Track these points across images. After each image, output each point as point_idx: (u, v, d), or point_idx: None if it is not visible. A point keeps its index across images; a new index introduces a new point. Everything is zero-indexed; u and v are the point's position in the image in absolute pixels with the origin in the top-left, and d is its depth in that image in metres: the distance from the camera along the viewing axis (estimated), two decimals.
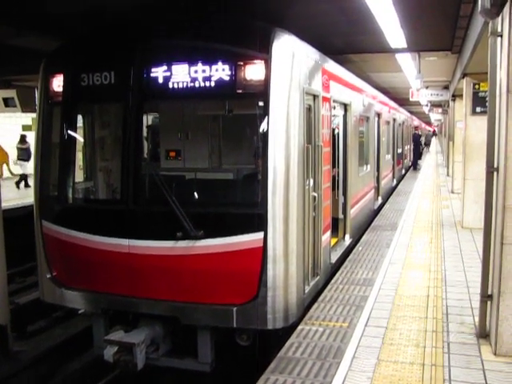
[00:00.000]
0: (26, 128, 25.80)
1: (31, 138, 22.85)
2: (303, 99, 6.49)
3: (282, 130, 6.05)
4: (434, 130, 68.41)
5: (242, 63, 6.10)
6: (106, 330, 7.02)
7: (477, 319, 6.07)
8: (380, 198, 15.70)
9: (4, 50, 8.79)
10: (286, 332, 6.24)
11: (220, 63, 6.13)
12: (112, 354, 6.41)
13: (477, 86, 11.82)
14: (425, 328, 6.12)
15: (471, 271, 8.43)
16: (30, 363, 8.39)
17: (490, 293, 5.77)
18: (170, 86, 6.36)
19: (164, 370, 7.17)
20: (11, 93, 15.01)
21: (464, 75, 11.97)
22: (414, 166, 29.73)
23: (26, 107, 15.48)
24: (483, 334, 5.82)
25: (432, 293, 7.41)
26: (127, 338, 6.35)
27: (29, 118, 25.50)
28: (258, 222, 6.01)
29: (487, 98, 5.95)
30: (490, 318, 5.70)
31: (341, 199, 10.14)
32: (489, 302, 5.77)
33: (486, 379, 4.88)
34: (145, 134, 8.19)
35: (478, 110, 11.87)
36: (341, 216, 10.06)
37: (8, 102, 15.15)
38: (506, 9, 5.00)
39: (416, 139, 30.43)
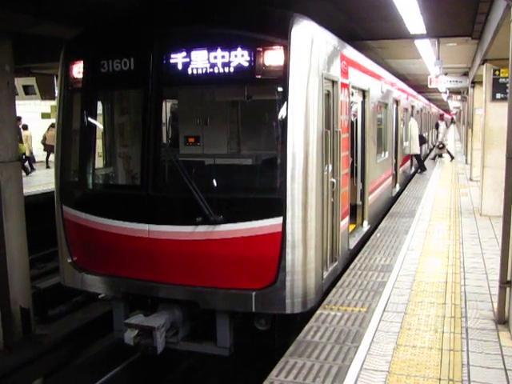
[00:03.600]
0: (45, 115, 26.01)
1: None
2: (322, 85, 6.48)
3: (301, 115, 6.05)
4: (453, 118, 67.78)
5: (261, 49, 6.09)
6: (125, 314, 7.11)
7: (495, 305, 6.08)
8: (398, 185, 15.63)
9: (24, 38, 8.86)
10: (304, 317, 6.28)
11: (239, 49, 6.12)
12: (132, 338, 6.48)
13: (497, 72, 11.70)
14: (443, 314, 6.13)
15: (489, 258, 8.41)
16: (51, 346, 8.53)
17: (508, 279, 5.77)
18: (190, 72, 6.37)
19: (183, 354, 7.27)
20: (31, 80, 15.15)
21: (484, 61, 11.84)
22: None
23: (46, 95, 15.63)
24: (502, 320, 5.82)
25: (450, 279, 7.41)
26: (147, 322, 6.42)
27: (43, 105, 25.66)
28: (277, 208, 6.03)
29: (508, 84, 5.90)
30: (509, 304, 5.69)
31: (359, 186, 10.13)
32: (508, 289, 5.78)
33: (504, 364, 4.90)
34: (164, 120, 8.23)
35: (498, 96, 11.76)
36: (359, 202, 10.05)
37: (28, 90, 15.31)
38: None
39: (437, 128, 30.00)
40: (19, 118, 21.28)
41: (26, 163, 21.38)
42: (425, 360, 4.98)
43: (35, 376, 8.15)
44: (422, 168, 21.12)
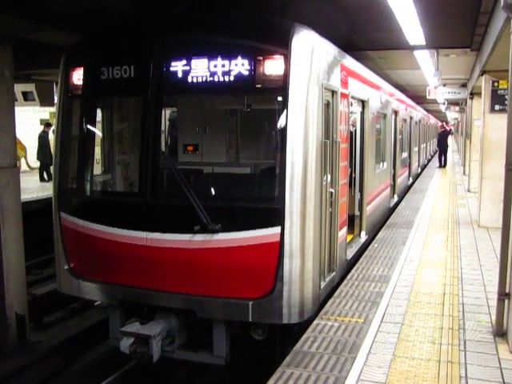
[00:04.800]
0: (43, 122, 25.96)
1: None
2: (322, 95, 6.49)
3: (301, 125, 6.05)
4: (451, 129, 68.10)
5: (261, 58, 6.09)
6: (122, 322, 7.07)
7: (494, 317, 6.06)
8: (396, 196, 15.64)
9: (24, 44, 8.87)
10: (301, 327, 6.25)
11: (239, 58, 6.12)
12: (128, 346, 6.44)
13: (496, 84, 11.74)
14: (441, 325, 6.11)
15: (488, 270, 8.40)
16: (46, 353, 8.48)
17: (507, 291, 5.74)
18: (189, 80, 6.37)
19: (179, 363, 7.23)
20: (30, 87, 15.18)
21: (483, 73, 11.89)
22: (441, 163, 29.45)
23: (45, 101, 15.66)
24: (500, 332, 5.79)
25: (448, 290, 7.39)
26: (143, 330, 6.39)
27: (42, 112, 25.56)
28: (275, 217, 6.01)
29: (507, 96, 5.91)
30: (508, 316, 5.67)
31: (357, 196, 10.12)
32: (506, 301, 5.75)
33: (503, 378, 4.86)
34: (163, 128, 8.24)
35: (497, 107, 11.79)
36: (357, 213, 10.04)
37: (27, 96, 15.34)
38: None
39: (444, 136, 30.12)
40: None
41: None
42: (422, 372, 4.95)
43: (30, 383, 8.08)
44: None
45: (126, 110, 8.34)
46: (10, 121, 8.22)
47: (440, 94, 20.72)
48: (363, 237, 9.99)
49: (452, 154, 41.41)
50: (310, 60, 6.19)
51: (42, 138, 20.45)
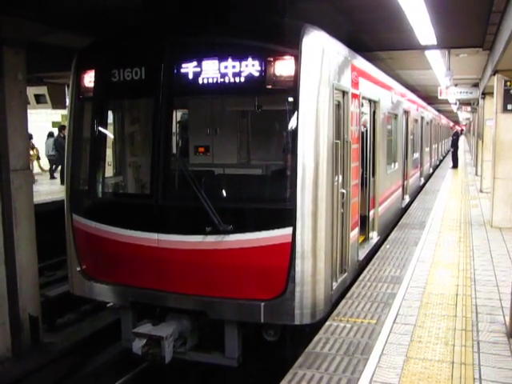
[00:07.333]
0: (55, 124, 26.10)
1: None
2: (332, 95, 6.47)
3: (312, 125, 6.04)
4: (462, 129, 67.72)
5: (271, 59, 6.09)
6: (134, 324, 7.09)
7: (507, 318, 6.01)
8: (407, 197, 15.57)
9: (36, 47, 8.92)
10: (313, 328, 6.23)
11: (250, 59, 6.13)
12: (140, 347, 6.46)
13: (508, 83, 11.66)
14: (454, 326, 6.07)
15: (501, 270, 8.33)
16: (59, 355, 8.52)
17: None
18: (200, 81, 6.38)
19: (191, 364, 7.23)
20: (42, 90, 15.28)
21: (495, 72, 11.81)
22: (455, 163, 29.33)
23: (57, 104, 15.76)
24: None
25: (461, 291, 7.34)
26: (156, 331, 6.41)
27: (53, 114, 25.69)
28: (287, 218, 6.01)
29: None
30: None
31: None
32: None
33: None
34: (174, 129, 8.25)
35: (510, 107, 11.72)
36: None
37: (39, 99, 15.45)
38: None
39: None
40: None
41: None
42: (435, 373, 4.92)
43: None
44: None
45: (137, 112, 8.37)
46: (23, 123, 8.26)
47: (451, 94, 20.61)
48: (375, 237, 9.95)
49: (464, 155, 41.16)
50: (320, 60, 6.18)
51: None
